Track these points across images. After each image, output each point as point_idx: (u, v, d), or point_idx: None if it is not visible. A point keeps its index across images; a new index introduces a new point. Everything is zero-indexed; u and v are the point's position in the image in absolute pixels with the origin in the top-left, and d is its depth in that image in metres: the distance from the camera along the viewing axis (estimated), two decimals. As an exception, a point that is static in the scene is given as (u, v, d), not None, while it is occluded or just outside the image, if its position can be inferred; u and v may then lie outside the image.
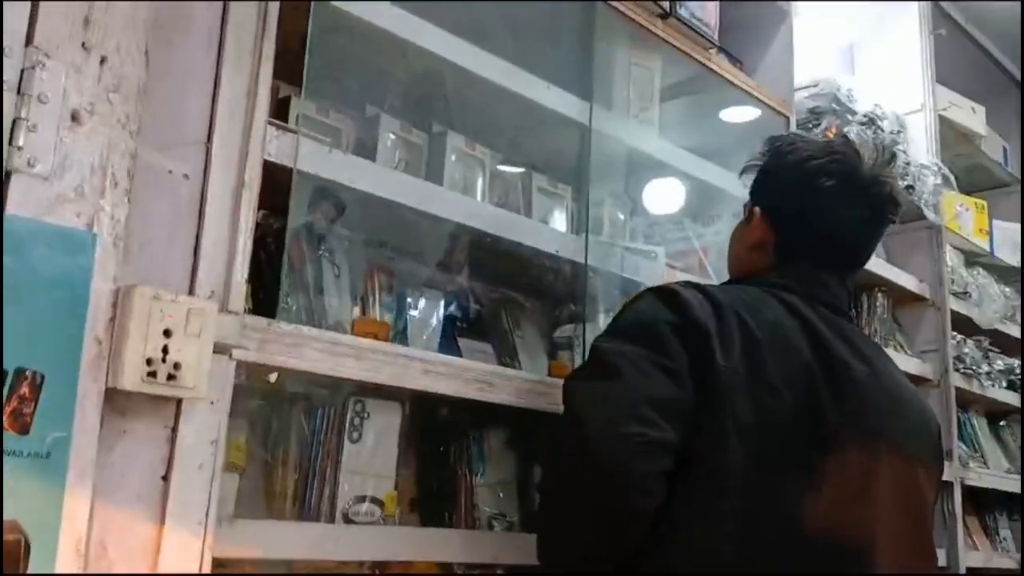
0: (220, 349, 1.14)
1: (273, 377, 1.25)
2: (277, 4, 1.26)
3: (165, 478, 1.09)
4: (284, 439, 1.36)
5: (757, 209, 1.50)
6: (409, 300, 1.71)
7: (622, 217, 2.02)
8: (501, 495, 1.59)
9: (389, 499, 1.41)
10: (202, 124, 1.18)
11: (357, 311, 1.54)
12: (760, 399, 1.20)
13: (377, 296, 1.62)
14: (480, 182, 1.81)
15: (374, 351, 1.32)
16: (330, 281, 1.52)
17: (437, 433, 1.56)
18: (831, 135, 2.57)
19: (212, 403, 1.13)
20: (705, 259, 2.27)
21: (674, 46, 2.01)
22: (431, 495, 1.53)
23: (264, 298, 1.42)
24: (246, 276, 1.18)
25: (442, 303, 1.78)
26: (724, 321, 1.23)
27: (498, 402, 1.48)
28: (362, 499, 1.38)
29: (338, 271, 1.54)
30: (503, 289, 1.97)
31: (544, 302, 2.03)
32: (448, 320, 1.77)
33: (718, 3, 2.14)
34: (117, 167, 1.05)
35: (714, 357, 1.19)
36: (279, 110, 1.63)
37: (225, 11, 1.21)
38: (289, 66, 1.53)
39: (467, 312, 1.85)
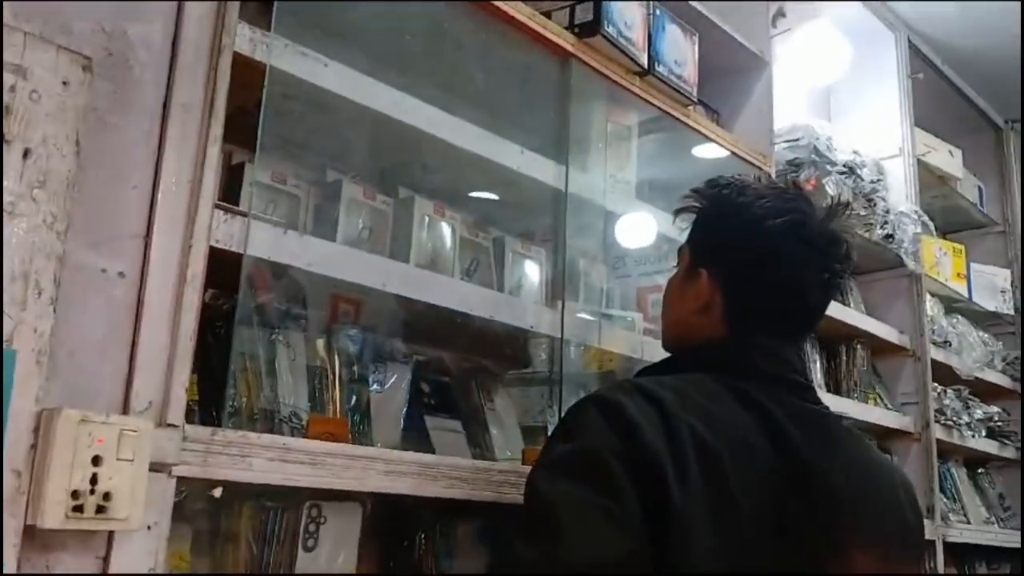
0: (158, 467, 1.02)
1: (218, 492, 1.14)
2: (227, 81, 1.16)
3: (94, 616, 0.97)
4: (232, 549, 1.24)
5: (703, 271, 1.33)
6: (372, 377, 1.61)
7: (599, 280, 1.93)
8: (470, 593, 1.49)
9: (347, 610, 1.30)
10: (141, 216, 1.07)
11: (315, 399, 1.43)
12: (722, 521, 1.07)
13: (338, 376, 1.51)
14: (450, 248, 1.71)
15: (331, 455, 1.21)
16: (284, 365, 1.41)
17: (401, 528, 1.45)
18: (810, 186, 2.50)
19: (149, 528, 1.02)
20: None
21: (652, 104, 1.92)
22: (395, 595, 1.42)
23: (211, 388, 1.31)
24: (187, 384, 1.07)
25: (408, 378, 1.68)
26: (677, 439, 1.08)
27: (468, 499, 1.37)
28: (317, 612, 1.27)
29: (294, 354, 1.44)
30: (474, 357, 1.87)
31: (519, 366, 1.93)
32: (415, 397, 1.67)
33: (696, 57, 2.06)
34: (41, 273, 0.94)
35: (670, 494, 1.03)
36: (231, 177, 1.53)
37: (169, 89, 1.10)
38: (243, 129, 1.43)
39: (435, 385, 1.75)
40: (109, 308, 1.02)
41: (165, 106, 1.09)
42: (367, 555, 1.38)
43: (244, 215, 1.23)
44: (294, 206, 1.55)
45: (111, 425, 0.96)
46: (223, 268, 1.24)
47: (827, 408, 1.32)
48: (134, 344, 1.03)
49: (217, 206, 1.17)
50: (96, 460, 0.94)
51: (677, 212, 1.42)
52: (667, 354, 1.39)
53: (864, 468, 1.29)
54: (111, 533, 0.98)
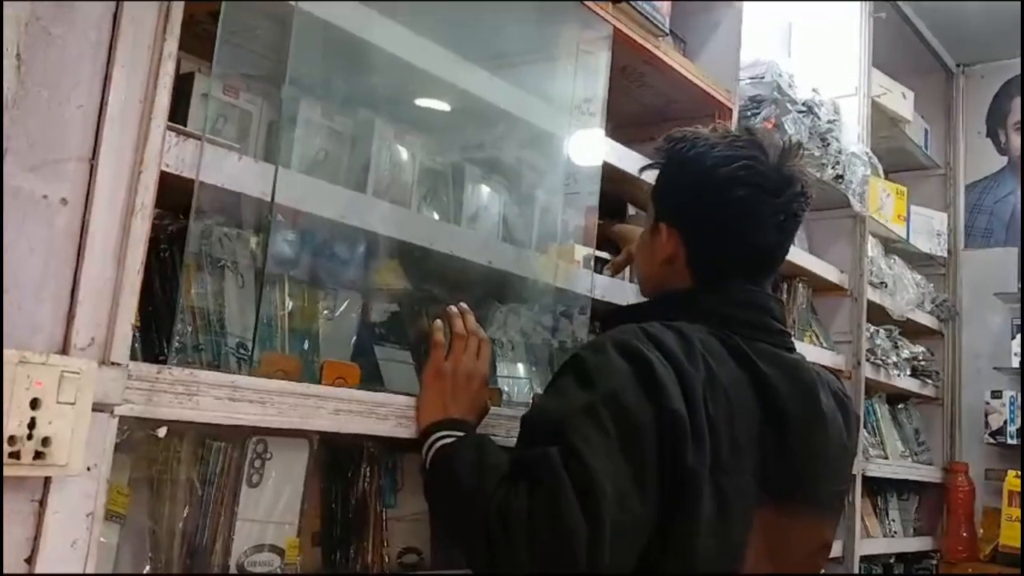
0: (100, 407, 0.97)
1: (163, 431, 1.09)
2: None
3: (29, 560, 0.93)
4: (174, 483, 1.20)
5: (663, 225, 1.38)
6: (322, 304, 1.56)
7: (559, 216, 1.87)
8: (414, 528, 1.48)
9: (291, 546, 1.27)
10: (86, 137, 0.98)
11: (263, 327, 1.38)
12: (721, 483, 1.16)
13: (287, 304, 1.45)
14: (408, 174, 1.65)
15: (280, 393, 1.17)
16: (232, 293, 1.34)
17: (346, 463, 1.42)
18: (770, 126, 2.47)
19: (89, 469, 0.97)
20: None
21: (624, 32, 1.85)
22: (336, 529, 1.40)
23: (153, 313, 1.25)
24: (133, 320, 1.01)
25: (360, 306, 1.63)
26: (692, 404, 1.15)
27: (417, 437, 1.35)
28: (260, 548, 1.24)
29: (242, 281, 1.37)
30: (426, 286, 1.82)
31: (472, 297, 1.89)
32: (364, 327, 1.62)
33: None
34: (-26, 200, 0.86)
35: (685, 457, 1.12)
36: (180, 88, 1.43)
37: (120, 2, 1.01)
38: (194, 37, 1.34)
39: (386, 314, 1.71)
40: (49, 239, 0.95)
41: (115, 19, 1.00)
42: (310, 489, 1.35)
43: (198, 138, 1.15)
44: (246, 122, 1.46)
45: (51, 367, 0.90)
46: (169, 188, 1.17)
47: (799, 354, 1.39)
48: (76, 277, 0.96)
49: (169, 127, 1.09)
50: (34, 403, 0.88)
51: (642, 169, 1.47)
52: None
53: (832, 415, 1.35)
54: (48, 477, 0.93)
